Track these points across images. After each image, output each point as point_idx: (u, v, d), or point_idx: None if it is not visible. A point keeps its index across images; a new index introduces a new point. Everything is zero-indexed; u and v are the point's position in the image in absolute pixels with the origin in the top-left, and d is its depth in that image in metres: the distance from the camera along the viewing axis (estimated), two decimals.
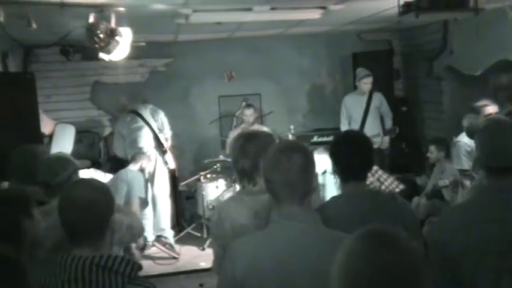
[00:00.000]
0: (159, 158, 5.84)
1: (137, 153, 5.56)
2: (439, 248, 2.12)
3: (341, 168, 2.39)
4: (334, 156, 2.44)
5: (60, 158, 2.69)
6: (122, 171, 5.33)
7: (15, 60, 5.70)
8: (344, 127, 6.28)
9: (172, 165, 5.95)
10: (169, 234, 5.77)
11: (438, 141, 5.23)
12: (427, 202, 5.09)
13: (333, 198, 2.71)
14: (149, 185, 5.76)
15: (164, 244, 5.67)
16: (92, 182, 1.88)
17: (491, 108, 4.11)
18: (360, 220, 2.12)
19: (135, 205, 5.67)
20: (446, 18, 4.77)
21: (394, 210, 2.34)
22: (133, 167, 5.38)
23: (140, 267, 1.78)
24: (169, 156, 5.90)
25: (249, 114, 6.43)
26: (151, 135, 5.81)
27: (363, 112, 6.22)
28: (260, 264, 1.75)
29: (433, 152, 5.20)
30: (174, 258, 5.51)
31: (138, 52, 6.43)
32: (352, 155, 2.36)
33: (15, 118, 4.03)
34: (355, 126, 6.15)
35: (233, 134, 6.12)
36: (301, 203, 1.82)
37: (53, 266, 1.73)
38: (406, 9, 3.50)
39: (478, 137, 2.17)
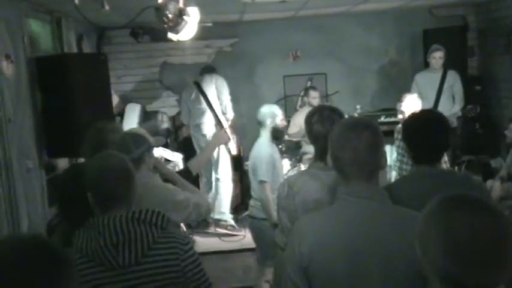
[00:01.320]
0: None
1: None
2: None
3: (415, 150, 2.32)
4: (407, 137, 2.37)
5: (135, 135, 2.73)
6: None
7: (89, 42, 5.92)
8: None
9: (234, 150, 5.98)
10: (228, 217, 5.84)
11: None
12: (501, 185, 4.84)
13: (403, 177, 2.64)
14: (212, 168, 5.86)
15: (226, 227, 5.76)
16: (118, 155, 2.00)
17: None
18: (424, 200, 2.07)
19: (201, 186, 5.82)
20: None
21: (469, 190, 2.25)
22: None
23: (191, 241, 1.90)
24: (231, 143, 5.91)
25: (315, 96, 6.35)
26: (213, 120, 5.87)
27: (436, 90, 5.96)
28: (328, 242, 1.74)
29: None
30: (238, 236, 5.60)
31: (204, 33, 6.49)
32: (427, 136, 2.27)
33: (90, 98, 4.19)
34: (427, 105, 5.92)
35: (300, 114, 6.03)
36: (369, 181, 1.79)
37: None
38: None
39: None
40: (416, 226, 1.76)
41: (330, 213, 1.86)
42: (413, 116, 2.44)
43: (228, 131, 5.88)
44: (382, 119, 6.66)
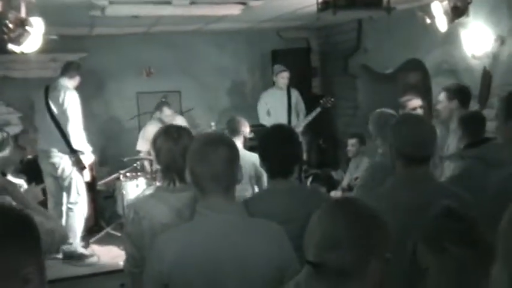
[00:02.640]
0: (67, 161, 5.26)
1: None
2: None
3: (269, 163, 2.39)
4: (261, 151, 2.44)
5: None
6: None
7: None
8: (265, 121, 6.32)
9: (87, 177, 5.49)
10: (74, 246, 5.29)
11: (359, 135, 5.37)
12: (342, 195, 5.27)
13: (257, 193, 2.72)
14: (63, 193, 5.38)
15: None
16: None
17: (415, 102, 4.32)
18: (283, 215, 2.17)
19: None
20: (362, 16, 4.97)
21: (317, 204, 2.39)
22: None
23: None
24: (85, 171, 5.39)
25: (169, 114, 6.02)
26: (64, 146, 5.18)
27: (284, 107, 6.32)
28: (187, 257, 1.74)
29: (354, 145, 5.39)
30: (92, 258, 5.26)
31: (50, 46, 6.08)
32: (280, 150, 2.37)
33: None
34: (277, 121, 6.23)
35: (151, 128, 5.50)
36: (226, 194, 1.83)
37: None
38: (324, 6, 3.60)
39: (396, 128, 2.27)
40: (273, 234, 1.84)
41: (188, 229, 1.86)
42: (265, 131, 2.53)
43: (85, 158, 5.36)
44: None
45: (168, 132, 2.36)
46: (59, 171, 5.25)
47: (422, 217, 1.66)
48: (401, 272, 1.63)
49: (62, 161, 5.22)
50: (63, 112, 5.15)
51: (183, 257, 1.74)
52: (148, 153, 5.78)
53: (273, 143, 2.39)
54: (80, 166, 5.26)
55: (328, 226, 1.32)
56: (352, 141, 5.41)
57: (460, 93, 3.86)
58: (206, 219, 1.81)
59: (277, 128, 2.52)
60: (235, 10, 4.88)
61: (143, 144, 6.00)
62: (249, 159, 3.85)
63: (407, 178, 2.22)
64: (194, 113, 7.13)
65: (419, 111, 4.34)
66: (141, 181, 5.78)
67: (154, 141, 2.38)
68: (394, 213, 2.08)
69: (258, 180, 4.08)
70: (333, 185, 6.12)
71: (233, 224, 1.81)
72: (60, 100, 5.17)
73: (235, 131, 4.32)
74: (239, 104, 7.46)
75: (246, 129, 4.38)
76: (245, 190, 3.91)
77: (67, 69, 5.33)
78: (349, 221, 1.32)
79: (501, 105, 2.74)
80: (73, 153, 5.19)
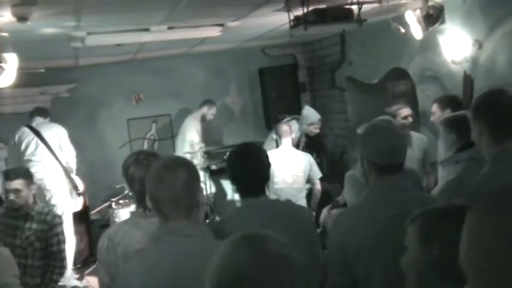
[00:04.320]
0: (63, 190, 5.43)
1: None
2: (336, 250, 2.18)
3: (239, 186, 2.39)
4: (231, 174, 2.43)
5: None
6: None
7: None
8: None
9: (80, 206, 5.60)
10: (67, 278, 5.32)
11: None
12: (330, 211, 5.18)
13: (232, 212, 2.71)
14: None
15: None
16: None
17: (406, 111, 4.33)
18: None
19: None
20: (334, 30, 5.02)
21: (290, 218, 2.38)
22: None
23: None
24: (78, 200, 5.55)
25: (214, 113, 6.68)
26: (58, 173, 5.38)
27: None
28: (152, 285, 1.71)
29: (353, 156, 5.37)
30: None
31: (37, 79, 6.19)
32: (250, 174, 2.35)
33: None
34: None
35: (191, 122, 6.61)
36: (188, 218, 1.81)
37: None
38: (295, 23, 3.64)
39: (365, 138, 2.26)
40: None
41: (153, 256, 1.83)
42: (234, 153, 2.52)
43: (80, 186, 5.51)
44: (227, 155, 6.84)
45: (139, 160, 2.38)
46: (53, 202, 5.28)
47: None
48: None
49: (56, 188, 5.32)
50: (59, 144, 5.45)
51: (147, 285, 1.72)
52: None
53: (242, 165, 2.39)
54: (77, 190, 5.45)
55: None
56: (352, 154, 5.38)
57: (452, 103, 3.91)
58: (169, 244, 1.80)
59: (246, 149, 2.51)
60: (214, 32, 4.92)
61: (189, 135, 6.50)
62: (304, 158, 4.89)
63: (381, 189, 2.20)
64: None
65: (410, 120, 4.35)
66: (134, 207, 5.76)
67: (126, 170, 2.39)
68: (371, 225, 2.08)
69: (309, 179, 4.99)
70: (329, 200, 6.07)
71: (196, 248, 1.79)
72: (56, 134, 5.48)
73: (281, 135, 4.92)
74: (229, 124, 7.49)
75: (291, 132, 5.00)
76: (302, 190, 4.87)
77: (45, 113, 5.72)
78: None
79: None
80: (70, 179, 5.40)
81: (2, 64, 3.23)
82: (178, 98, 7.26)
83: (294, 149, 5.05)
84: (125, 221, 2.46)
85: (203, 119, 6.64)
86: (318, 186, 5.14)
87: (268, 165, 2.45)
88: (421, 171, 4.09)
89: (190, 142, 6.37)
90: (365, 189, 2.31)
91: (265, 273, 1.11)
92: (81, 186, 5.61)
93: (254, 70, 7.36)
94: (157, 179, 1.81)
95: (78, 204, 5.58)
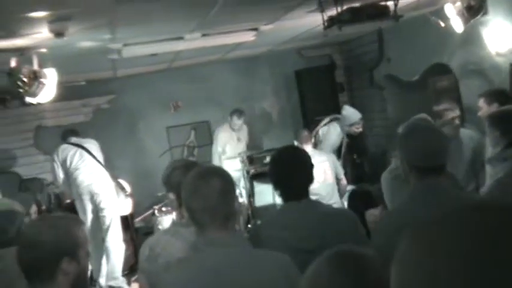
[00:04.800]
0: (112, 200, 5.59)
1: None
2: (380, 253, 2.10)
3: (282, 188, 2.33)
4: (274, 179, 2.38)
5: (6, 213, 2.59)
6: None
7: None
8: None
9: (129, 210, 5.78)
10: (121, 281, 5.54)
11: None
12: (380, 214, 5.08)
13: (269, 218, 2.66)
14: (102, 233, 5.54)
15: None
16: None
17: (453, 113, 4.16)
18: (295, 236, 2.12)
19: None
20: (369, 28, 4.90)
21: (333, 222, 2.32)
22: None
23: None
24: (128, 202, 5.72)
25: (240, 123, 6.54)
26: (106, 177, 5.56)
27: None
28: None
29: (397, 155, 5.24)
30: None
31: (79, 92, 6.34)
32: (294, 178, 2.30)
33: None
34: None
35: (222, 133, 6.62)
36: (224, 227, 1.78)
37: None
38: (330, 23, 3.56)
39: (405, 139, 2.17)
40: (279, 265, 1.78)
41: (190, 266, 1.82)
42: (277, 157, 2.46)
43: (127, 187, 5.72)
44: (268, 160, 6.81)
45: (178, 168, 2.37)
46: (102, 205, 5.45)
47: None
48: None
49: (104, 192, 5.48)
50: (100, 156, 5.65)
51: None
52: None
53: (284, 169, 2.34)
54: (124, 192, 5.70)
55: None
56: (396, 153, 5.25)
57: (499, 96, 3.72)
58: (206, 255, 1.77)
59: (288, 153, 2.46)
60: (248, 37, 4.90)
61: (216, 147, 6.53)
62: (326, 156, 5.03)
63: (422, 191, 2.11)
64: None
65: (457, 122, 4.15)
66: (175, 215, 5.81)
67: (167, 178, 2.39)
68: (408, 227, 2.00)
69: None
70: (371, 201, 5.93)
71: (234, 258, 1.77)
72: (93, 144, 5.67)
73: (301, 141, 4.98)
74: (268, 128, 7.45)
75: (310, 138, 5.15)
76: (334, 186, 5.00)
77: (76, 132, 5.88)
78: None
79: None
80: (116, 182, 5.65)
81: (42, 79, 3.30)
82: (216, 104, 7.28)
83: (315, 150, 5.14)
84: (166, 231, 2.46)
85: (232, 128, 6.62)
86: (344, 181, 5.24)
87: (311, 166, 2.40)
88: (469, 173, 3.89)
89: (217, 153, 6.46)
90: (401, 189, 2.24)
91: None
92: (128, 188, 5.76)
93: (290, 72, 7.30)
94: (192, 188, 1.79)
95: (127, 206, 5.72)
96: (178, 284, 1.75)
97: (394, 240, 2.26)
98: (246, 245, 1.85)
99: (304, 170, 2.36)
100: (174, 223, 2.47)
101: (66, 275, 1.65)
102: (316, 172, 5.00)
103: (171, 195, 2.39)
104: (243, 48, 5.87)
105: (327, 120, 6.07)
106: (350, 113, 5.76)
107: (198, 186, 1.78)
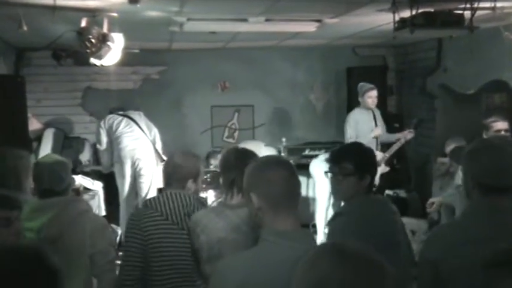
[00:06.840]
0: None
1: None
2: (430, 266, 2.07)
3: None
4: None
5: (63, 163, 2.72)
6: None
7: (6, 63, 5.64)
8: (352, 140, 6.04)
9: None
10: None
11: (455, 154, 4.92)
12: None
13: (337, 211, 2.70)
14: (138, 201, 5.64)
15: None
16: None
17: (501, 124, 4.08)
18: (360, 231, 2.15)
19: None
20: (441, 35, 4.77)
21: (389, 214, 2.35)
22: None
23: None
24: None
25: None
26: (149, 146, 5.70)
27: (371, 127, 5.98)
28: (251, 286, 1.64)
29: (444, 164, 5.14)
30: None
31: (131, 59, 6.40)
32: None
33: (3, 121, 3.96)
34: (364, 140, 5.91)
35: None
36: (292, 218, 1.75)
37: None
38: (401, 25, 3.49)
39: (473, 154, 2.11)
40: None
41: (254, 257, 1.75)
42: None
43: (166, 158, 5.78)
44: (307, 152, 6.80)
45: (244, 153, 2.43)
46: (143, 172, 5.60)
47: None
48: None
49: (145, 159, 5.63)
50: (145, 123, 5.83)
51: (247, 285, 1.65)
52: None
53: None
54: (163, 162, 5.75)
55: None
56: (442, 160, 5.15)
57: None
58: (273, 246, 1.71)
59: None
60: (310, 27, 4.86)
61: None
62: None
63: (484, 209, 2.06)
64: (265, 128, 7.17)
65: (504, 134, 4.07)
66: (211, 193, 5.86)
67: (226, 158, 2.43)
68: (469, 245, 1.96)
69: None
70: (404, 208, 5.87)
71: (301, 254, 1.72)
72: (139, 115, 5.88)
73: None
74: (311, 121, 7.41)
75: None
76: None
77: (122, 109, 6.04)
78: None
79: None
80: (157, 152, 5.77)
81: (109, 43, 3.34)
82: (263, 90, 7.27)
83: None
84: (212, 209, 2.49)
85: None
86: None
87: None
88: None
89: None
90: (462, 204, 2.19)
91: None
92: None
93: (342, 68, 7.22)
94: (261, 177, 1.78)
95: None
96: (240, 271, 1.69)
97: (443, 255, 2.22)
98: (312, 240, 1.82)
99: None
100: (221, 203, 2.49)
101: None
102: None
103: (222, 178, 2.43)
104: (300, 38, 5.83)
105: None
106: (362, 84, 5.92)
107: (269, 176, 1.76)
